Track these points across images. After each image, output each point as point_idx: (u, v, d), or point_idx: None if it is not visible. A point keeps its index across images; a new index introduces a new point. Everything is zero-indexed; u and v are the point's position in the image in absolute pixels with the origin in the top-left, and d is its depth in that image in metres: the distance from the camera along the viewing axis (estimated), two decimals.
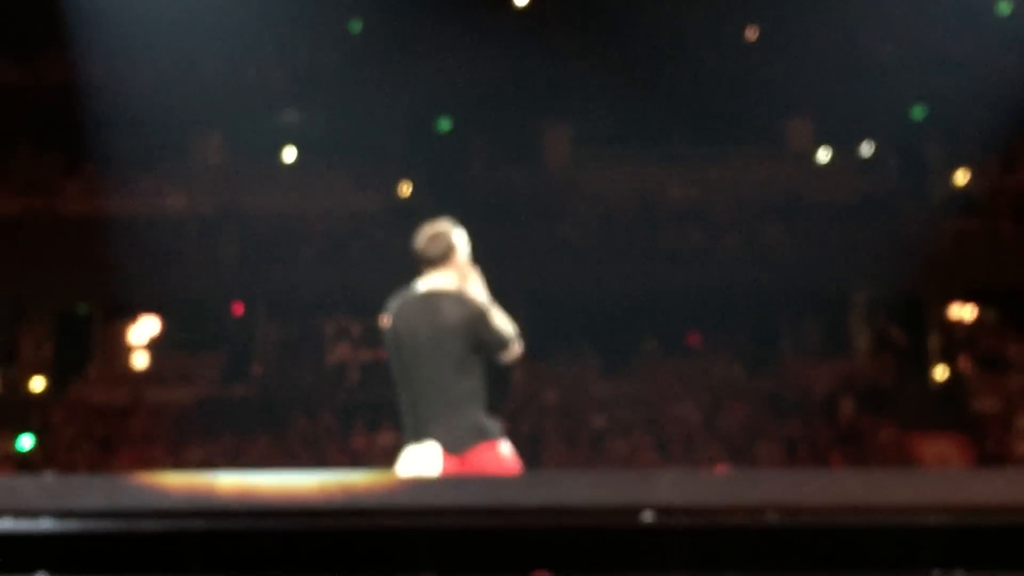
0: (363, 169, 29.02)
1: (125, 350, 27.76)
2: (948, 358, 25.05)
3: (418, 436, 6.34)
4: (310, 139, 30.24)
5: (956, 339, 24.88)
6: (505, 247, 25.07)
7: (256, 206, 27.55)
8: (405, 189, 29.37)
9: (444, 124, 29.36)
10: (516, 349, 6.47)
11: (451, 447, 6.28)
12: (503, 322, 6.45)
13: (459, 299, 6.41)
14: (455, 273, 6.48)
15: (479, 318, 6.36)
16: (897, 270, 24.78)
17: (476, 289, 6.51)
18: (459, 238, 6.56)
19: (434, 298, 6.43)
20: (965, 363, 24.22)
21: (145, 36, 28.25)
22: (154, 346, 27.62)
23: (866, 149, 28.39)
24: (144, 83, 28.27)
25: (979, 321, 25.50)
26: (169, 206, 27.69)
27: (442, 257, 6.47)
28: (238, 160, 30.18)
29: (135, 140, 29.62)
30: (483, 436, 6.33)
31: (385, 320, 6.61)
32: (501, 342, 6.40)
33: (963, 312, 25.73)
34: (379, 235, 26.90)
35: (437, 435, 6.29)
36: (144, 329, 27.71)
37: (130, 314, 27.54)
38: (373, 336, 25.42)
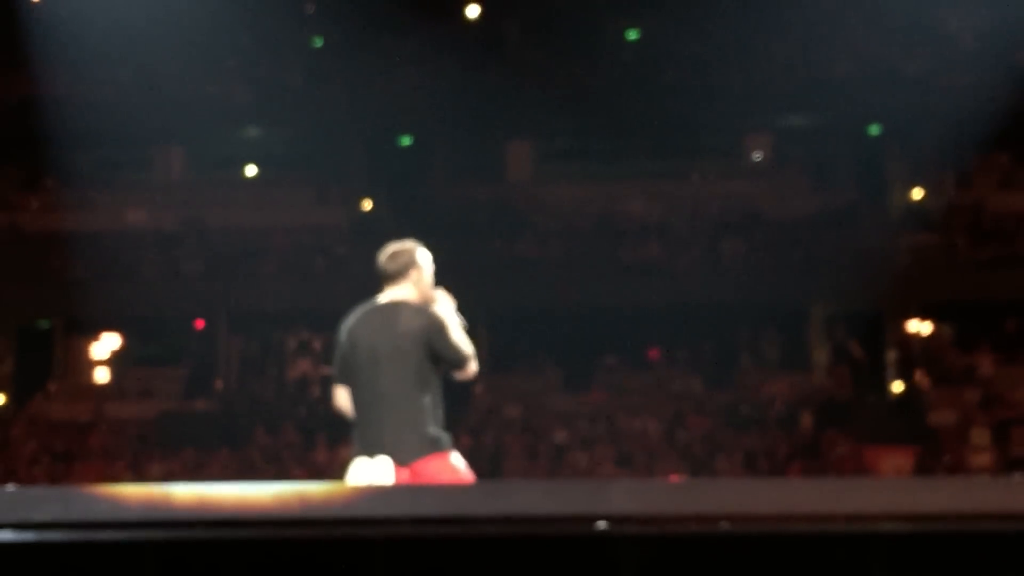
0: (325, 184, 29.05)
1: (86, 365, 27.66)
2: (905, 372, 25.22)
3: (369, 449, 6.45)
4: (272, 154, 30.26)
5: (913, 353, 25.05)
6: (466, 262, 25.08)
7: (218, 221, 27.53)
8: (366, 204, 29.41)
9: (405, 140, 29.42)
10: (472, 367, 6.54)
11: (401, 459, 6.37)
12: (462, 339, 6.53)
13: (418, 309, 6.53)
14: (413, 288, 6.60)
15: (436, 328, 6.45)
16: (855, 285, 24.96)
17: (444, 308, 6.61)
18: (421, 257, 6.69)
19: (393, 308, 6.56)
20: (922, 377, 24.40)
21: (106, 51, 28.20)
22: (115, 361, 27.53)
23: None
24: (105, 98, 28.19)
25: (936, 336, 25.67)
26: (130, 221, 27.62)
27: (400, 273, 6.60)
28: (200, 175, 30.17)
29: (96, 155, 29.58)
30: (434, 447, 6.42)
31: (341, 332, 6.71)
32: (457, 357, 6.48)
33: (920, 327, 25.92)
34: (341, 250, 26.92)
35: (388, 447, 6.39)
36: (105, 344, 27.63)
37: (91, 329, 27.44)
38: (334, 351, 25.44)
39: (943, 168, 27.87)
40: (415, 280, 6.61)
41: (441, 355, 6.46)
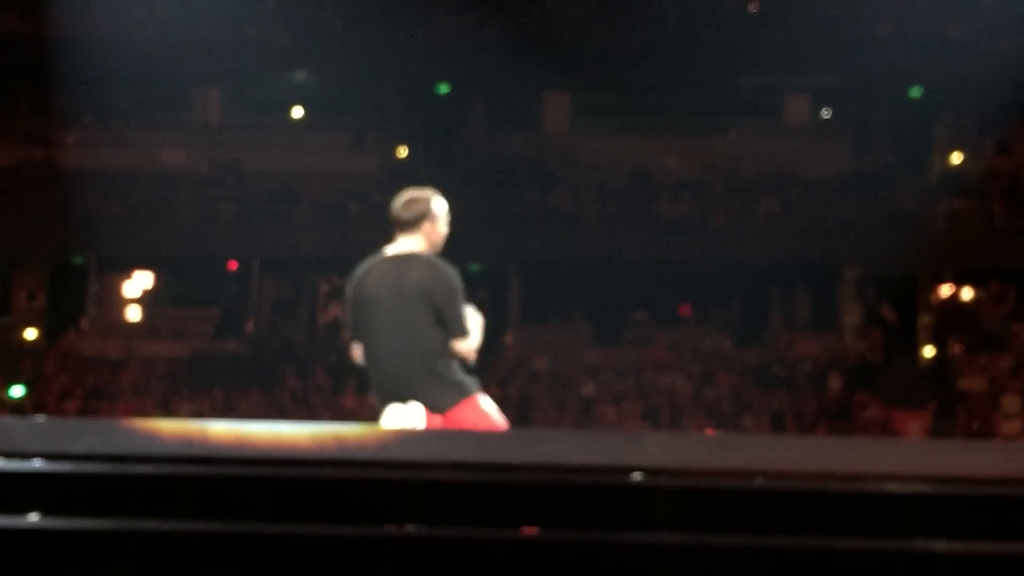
0: (361, 130, 29.08)
1: (118, 303, 27.84)
2: (937, 337, 25.17)
3: (400, 396, 6.37)
4: (309, 99, 30.26)
5: (946, 318, 25.00)
6: (500, 212, 25.12)
7: (253, 164, 27.61)
8: (402, 151, 29.43)
9: (443, 87, 29.39)
10: (469, 344, 6.38)
11: (434, 406, 6.31)
12: (468, 313, 6.40)
13: (428, 262, 6.40)
14: (424, 240, 6.46)
15: (445, 287, 6.32)
16: (889, 248, 24.89)
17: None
18: (437, 207, 6.53)
19: (400, 261, 6.43)
20: (954, 342, 24.37)
21: None
22: (147, 300, 27.69)
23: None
24: (144, 38, 28.22)
25: (969, 301, 25.61)
26: (166, 161, 27.73)
27: (413, 222, 6.46)
28: (237, 118, 30.21)
29: (134, 95, 29.66)
30: (462, 393, 6.34)
31: (348, 288, 6.59)
32: (457, 325, 6.33)
33: (954, 292, 25.86)
34: (375, 197, 26.93)
35: (420, 395, 6.32)
36: (138, 283, 27.79)
37: (124, 267, 27.61)
38: None
39: (982, 134, 27.71)
40: (427, 231, 6.46)
41: (441, 315, 6.31)
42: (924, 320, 26.02)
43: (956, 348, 24.27)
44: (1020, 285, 24.52)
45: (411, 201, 6.53)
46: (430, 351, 6.30)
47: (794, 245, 25.40)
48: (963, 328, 24.52)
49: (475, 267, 23.00)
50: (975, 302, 25.44)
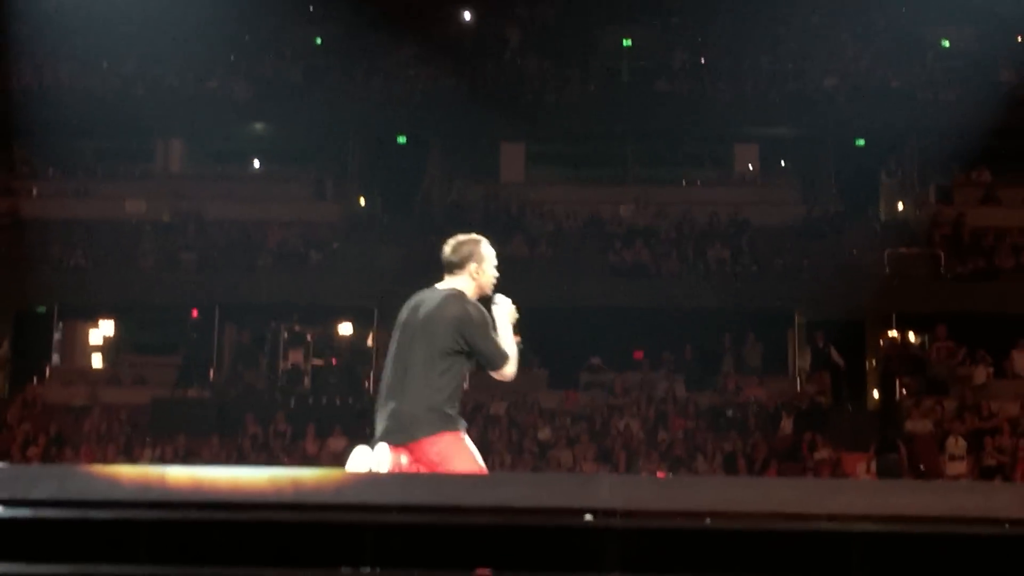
0: (321, 180, 29.34)
1: (81, 351, 27.89)
2: (884, 380, 25.46)
3: (383, 422, 6.56)
4: (270, 150, 30.58)
5: (892, 362, 25.27)
6: None
7: (215, 213, 27.83)
8: (361, 201, 29.71)
9: (401, 138, 29.73)
10: (507, 369, 6.64)
11: (413, 433, 6.48)
12: (503, 340, 6.65)
13: (457, 297, 6.63)
14: (471, 280, 6.74)
15: (470, 322, 6.55)
16: (837, 294, 25.33)
17: (498, 310, 6.75)
18: (485, 250, 6.81)
19: (437, 294, 6.69)
20: (900, 385, 24.63)
21: (111, 43, 28.58)
22: (110, 348, 27.77)
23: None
24: (109, 90, 28.55)
25: (915, 345, 25.94)
26: (129, 210, 27.90)
27: (459, 264, 6.74)
28: (199, 168, 30.49)
29: (98, 145, 29.93)
30: (445, 425, 6.51)
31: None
32: (489, 354, 6.58)
33: (900, 336, 26.18)
34: (335, 245, 27.22)
35: (404, 418, 6.50)
36: (101, 331, 27.89)
37: (88, 315, 27.69)
38: (326, 343, 25.77)
39: (925, 182, 28.26)
40: (473, 272, 6.72)
41: (474, 349, 6.57)
42: (872, 364, 26.37)
43: (903, 391, 24.59)
44: (964, 330, 24.89)
45: (459, 244, 6.80)
46: (428, 380, 6.49)
47: (745, 291, 25.71)
48: (909, 372, 24.86)
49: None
50: (920, 346, 25.81)
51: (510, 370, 6.68)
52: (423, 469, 6.53)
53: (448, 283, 6.75)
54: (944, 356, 24.79)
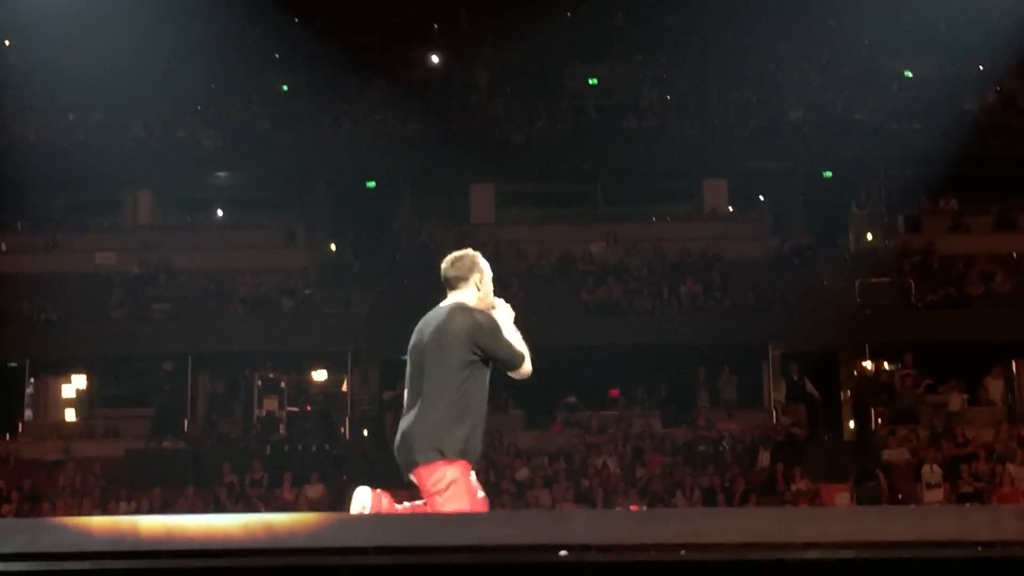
0: (291, 227, 29.31)
1: (54, 405, 27.71)
2: (858, 411, 25.50)
3: (402, 439, 6.46)
4: (239, 198, 30.54)
5: (865, 392, 25.31)
6: (430, 303, 25.36)
7: (185, 263, 27.76)
8: (332, 246, 29.69)
9: (370, 183, 29.76)
10: (525, 367, 6.61)
11: (426, 455, 6.34)
12: (515, 341, 6.63)
13: (465, 309, 6.60)
14: (476, 291, 6.71)
15: (483, 329, 6.52)
16: (810, 325, 25.37)
17: (502, 314, 6.72)
18: (482, 263, 6.82)
19: (443, 310, 6.65)
20: (876, 415, 24.66)
21: (77, 96, 28.58)
22: (82, 401, 27.60)
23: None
24: (75, 143, 28.54)
25: (887, 375, 25.96)
26: (99, 263, 27.82)
27: (460, 278, 6.72)
28: (168, 218, 30.43)
29: (66, 198, 29.86)
30: (455, 452, 6.37)
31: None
32: (507, 356, 6.57)
33: (872, 366, 26.22)
34: (307, 291, 27.17)
35: (416, 438, 6.39)
36: (73, 384, 27.73)
37: (59, 371, 27.54)
38: (300, 390, 25.70)
39: (894, 212, 28.40)
40: (477, 282, 6.73)
41: (491, 355, 6.55)
42: (846, 395, 26.41)
43: (878, 421, 24.62)
44: (937, 358, 24.95)
45: (457, 258, 6.80)
46: (442, 400, 6.43)
47: (718, 325, 25.73)
48: (880, 401, 24.91)
49: (406, 356, 23.17)
50: (891, 375, 25.83)
51: (528, 368, 6.66)
52: (424, 495, 6.44)
53: (451, 298, 6.74)
54: (909, 385, 24.83)
